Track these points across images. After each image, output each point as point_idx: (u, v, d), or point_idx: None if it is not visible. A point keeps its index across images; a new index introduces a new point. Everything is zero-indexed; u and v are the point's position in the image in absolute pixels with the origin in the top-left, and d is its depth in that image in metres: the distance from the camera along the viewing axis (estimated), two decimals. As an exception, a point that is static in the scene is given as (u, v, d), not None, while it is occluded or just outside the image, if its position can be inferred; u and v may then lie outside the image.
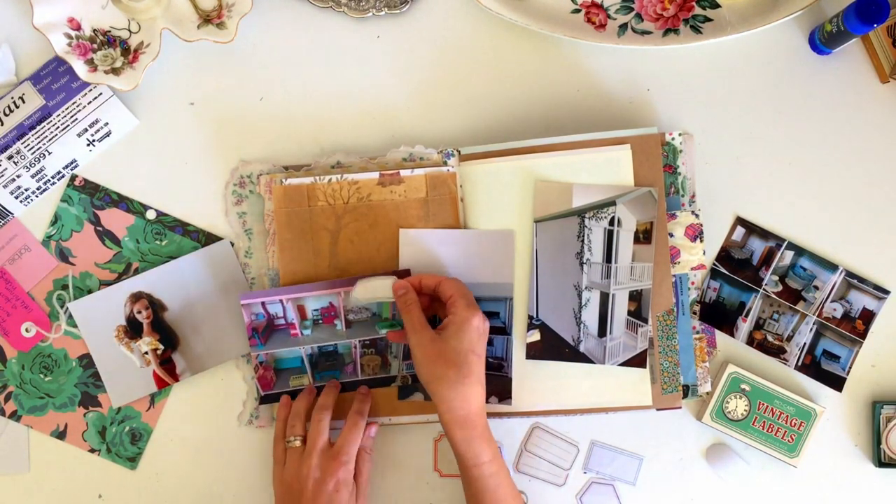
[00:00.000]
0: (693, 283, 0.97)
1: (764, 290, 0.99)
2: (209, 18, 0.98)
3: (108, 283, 0.99)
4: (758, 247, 0.99)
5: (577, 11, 0.99)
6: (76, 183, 1.00)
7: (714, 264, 0.99)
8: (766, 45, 1.00)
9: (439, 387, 0.87)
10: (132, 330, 0.99)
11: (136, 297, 0.99)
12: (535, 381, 0.95)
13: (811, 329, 0.99)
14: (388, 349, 0.96)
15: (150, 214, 1.00)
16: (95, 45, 0.97)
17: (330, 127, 1.01)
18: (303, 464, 0.90)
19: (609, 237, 0.94)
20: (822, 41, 0.97)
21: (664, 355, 0.94)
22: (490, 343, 0.95)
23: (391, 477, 1.00)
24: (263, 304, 0.95)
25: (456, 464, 0.99)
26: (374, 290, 0.94)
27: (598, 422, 0.99)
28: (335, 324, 0.96)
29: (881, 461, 0.98)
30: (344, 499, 0.89)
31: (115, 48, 0.98)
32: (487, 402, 0.95)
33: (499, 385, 0.95)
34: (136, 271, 0.99)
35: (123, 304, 0.99)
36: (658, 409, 0.95)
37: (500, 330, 0.96)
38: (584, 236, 0.94)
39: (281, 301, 0.95)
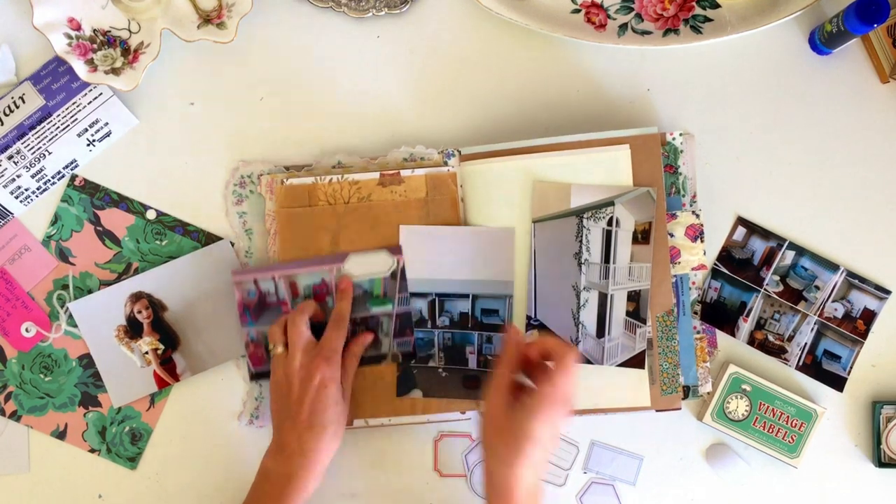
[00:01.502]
0: (694, 284, 0.97)
1: (765, 290, 0.99)
2: (209, 18, 0.98)
3: (108, 283, 0.99)
4: (759, 247, 0.99)
5: (577, 11, 0.99)
6: (76, 183, 1.00)
7: (715, 264, 0.99)
8: (766, 45, 1.00)
9: (487, 455, 0.85)
10: (132, 330, 0.99)
11: (137, 297, 0.99)
12: (535, 381, 0.95)
13: (812, 329, 0.98)
14: (380, 326, 0.96)
15: (150, 214, 1.00)
16: (95, 45, 0.97)
17: (330, 127, 1.01)
18: (288, 364, 0.90)
19: (607, 237, 0.94)
20: (822, 41, 0.97)
21: (664, 356, 0.94)
22: (489, 340, 0.95)
23: (391, 477, 1.00)
24: (256, 280, 0.95)
25: (456, 463, 1.00)
26: (367, 265, 0.94)
27: (598, 422, 0.99)
28: (327, 301, 0.96)
29: (881, 461, 0.98)
30: (332, 394, 0.89)
31: (115, 48, 0.98)
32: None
33: None
34: (136, 271, 0.99)
35: (123, 304, 0.99)
36: (657, 411, 0.94)
37: (500, 328, 0.96)
38: (582, 236, 0.94)
39: (273, 278, 0.95)
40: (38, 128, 0.99)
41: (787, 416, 0.97)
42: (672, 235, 0.95)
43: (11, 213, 1.00)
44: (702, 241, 0.96)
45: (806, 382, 0.99)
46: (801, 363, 0.99)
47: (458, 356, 0.96)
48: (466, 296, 0.96)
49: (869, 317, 0.99)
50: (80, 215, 1.00)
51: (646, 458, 0.99)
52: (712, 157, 1.00)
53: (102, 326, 0.99)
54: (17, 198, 0.99)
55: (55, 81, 0.99)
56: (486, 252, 0.96)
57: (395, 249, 0.95)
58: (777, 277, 0.99)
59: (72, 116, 0.99)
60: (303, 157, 1.00)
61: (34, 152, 0.99)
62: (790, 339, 0.98)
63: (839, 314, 0.99)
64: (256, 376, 0.97)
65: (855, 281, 0.98)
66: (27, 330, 0.99)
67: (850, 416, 0.99)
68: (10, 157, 0.99)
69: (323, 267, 0.95)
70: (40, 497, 1.00)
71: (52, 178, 1.00)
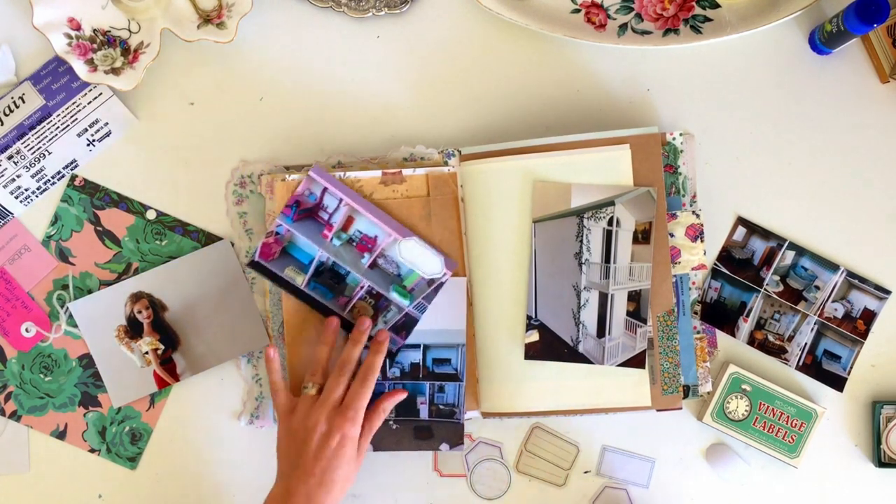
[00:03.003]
0: (694, 284, 0.97)
1: (765, 290, 0.99)
2: (209, 18, 0.98)
3: (108, 283, 0.99)
4: (759, 247, 0.99)
5: (577, 11, 0.99)
6: (76, 183, 1.00)
7: (715, 264, 0.99)
8: (766, 45, 1.00)
9: None
10: (132, 330, 0.99)
11: (137, 297, 0.99)
12: (534, 381, 0.95)
13: (812, 329, 0.98)
14: (385, 312, 0.95)
15: (150, 214, 1.00)
16: (95, 45, 0.97)
17: (330, 127, 1.01)
18: (311, 414, 0.90)
19: (608, 237, 0.94)
20: (822, 41, 0.97)
21: (664, 356, 0.94)
22: (441, 390, 0.96)
23: (391, 477, 1.00)
24: (325, 189, 0.94)
25: (456, 463, 1.00)
26: (417, 257, 0.94)
27: (599, 422, 0.99)
28: (364, 255, 0.95)
29: (881, 461, 0.98)
30: (347, 454, 0.89)
31: (115, 48, 0.98)
32: (438, 448, 0.96)
33: (450, 431, 0.96)
34: (136, 271, 0.99)
35: (123, 304, 0.99)
36: (658, 410, 0.94)
37: (452, 377, 0.95)
38: (582, 236, 0.94)
39: (341, 200, 0.94)
40: (38, 128, 0.99)
41: (787, 416, 0.97)
42: (672, 235, 0.95)
43: (11, 213, 0.99)
44: (702, 241, 0.96)
45: (806, 382, 0.99)
46: (801, 363, 0.99)
47: (409, 407, 0.96)
48: (417, 346, 0.96)
49: (869, 317, 0.99)
50: (80, 215, 1.00)
51: (655, 459, 0.99)
52: (712, 157, 1.00)
53: (102, 326, 0.99)
54: (17, 198, 0.99)
55: (55, 81, 0.99)
56: (436, 301, 0.95)
57: (451, 264, 0.95)
58: (777, 277, 0.99)
59: (72, 116, 0.99)
60: (303, 157, 1.00)
61: (34, 152, 0.99)
62: (790, 339, 0.99)
63: (839, 314, 0.99)
64: (253, 265, 0.95)
65: (855, 281, 0.98)
66: (27, 330, 0.99)
67: (850, 416, 0.99)
68: (10, 157, 0.99)
69: (384, 226, 0.94)
70: (40, 497, 1.00)
71: (52, 178, 1.00)
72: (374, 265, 0.95)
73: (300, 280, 0.95)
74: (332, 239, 0.95)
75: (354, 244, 0.95)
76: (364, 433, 0.92)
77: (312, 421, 0.89)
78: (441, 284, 0.95)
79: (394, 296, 0.95)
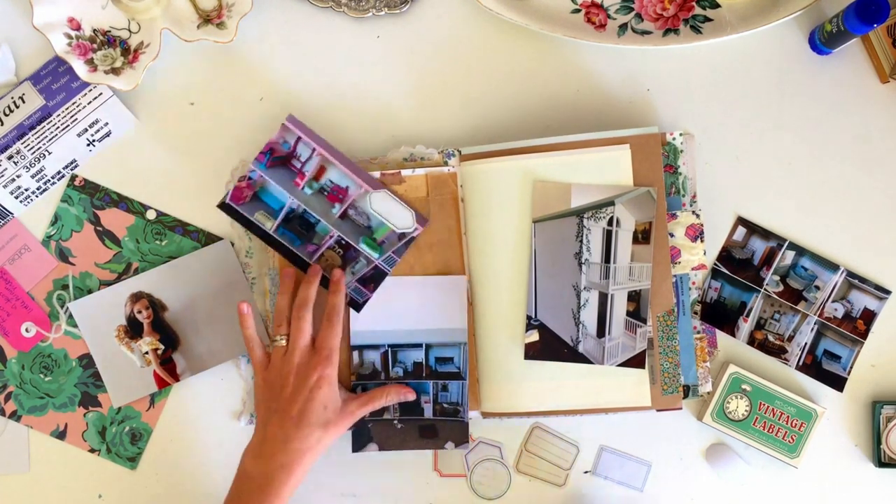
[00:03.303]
0: (694, 283, 0.97)
1: (765, 290, 0.99)
2: (209, 18, 0.98)
3: (108, 283, 0.99)
4: (759, 247, 0.99)
5: (577, 11, 0.99)
6: (76, 183, 1.00)
7: (715, 264, 0.99)
8: (766, 45, 1.00)
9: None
10: (132, 330, 0.99)
11: (137, 297, 0.99)
12: (534, 381, 0.95)
13: (812, 329, 0.98)
14: (353, 263, 0.96)
15: (150, 214, 1.00)
16: (95, 45, 0.97)
17: (330, 127, 1.00)
18: (286, 361, 0.91)
19: (607, 237, 0.94)
20: (822, 41, 0.97)
21: (664, 356, 0.94)
22: (445, 389, 0.96)
23: (391, 477, 1.00)
24: (300, 138, 0.95)
25: (456, 463, 1.00)
26: (388, 210, 0.94)
27: (599, 422, 0.99)
28: (335, 206, 0.95)
29: (881, 461, 0.98)
30: (324, 393, 0.90)
31: (115, 48, 0.98)
32: (444, 447, 0.96)
33: (455, 429, 0.96)
34: (136, 271, 0.99)
35: (123, 304, 0.99)
36: (658, 410, 0.94)
37: (455, 375, 0.96)
38: (582, 236, 0.94)
39: (314, 150, 0.95)
40: (38, 128, 0.99)
41: (787, 416, 0.97)
42: (672, 235, 0.95)
43: (11, 213, 1.00)
44: (702, 241, 0.96)
45: (806, 382, 0.99)
46: (801, 363, 0.99)
47: (414, 406, 0.96)
48: (420, 345, 0.96)
49: (869, 317, 0.99)
50: (80, 215, 1.00)
51: (651, 463, 0.99)
52: (712, 157, 1.00)
53: (102, 326, 0.99)
54: (17, 198, 0.99)
55: (55, 81, 0.99)
56: (437, 301, 0.96)
57: (422, 220, 0.95)
58: (777, 277, 0.99)
59: (72, 116, 0.99)
60: (303, 157, 1.00)
61: (34, 152, 0.99)
62: (790, 339, 0.99)
63: (839, 314, 0.99)
64: (224, 206, 0.95)
65: (855, 281, 0.98)
66: (27, 330, 0.99)
67: (850, 416, 0.99)
68: (10, 157, 0.99)
69: (356, 177, 0.94)
70: (40, 497, 1.00)
71: (52, 178, 1.00)
72: (344, 216, 0.95)
73: (269, 225, 0.95)
74: (303, 187, 0.95)
75: (325, 194, 0.95)
76: (358, 404, 0.92)
77: (287, 367, 0.90)
78: (412, 239, 0.95)
79: (363, 247, 0.95)
